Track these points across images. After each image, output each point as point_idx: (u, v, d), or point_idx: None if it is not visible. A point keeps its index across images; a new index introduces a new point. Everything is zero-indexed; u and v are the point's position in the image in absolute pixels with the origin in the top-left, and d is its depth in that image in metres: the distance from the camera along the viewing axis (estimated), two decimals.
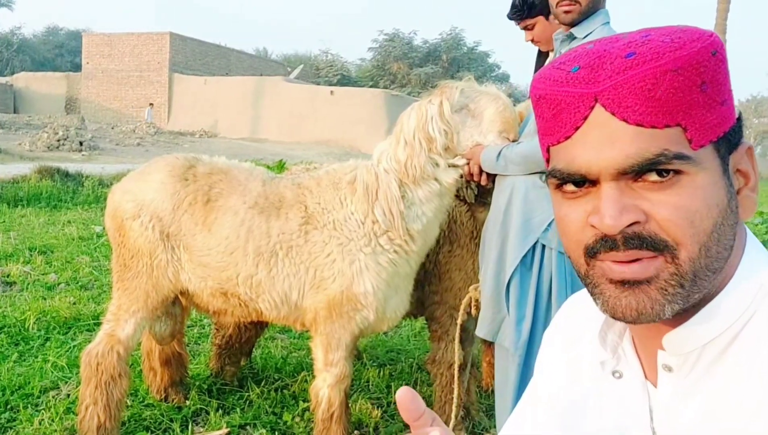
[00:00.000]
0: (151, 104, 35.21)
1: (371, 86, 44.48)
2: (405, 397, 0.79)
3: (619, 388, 0.90)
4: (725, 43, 20.77)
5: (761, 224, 8.36)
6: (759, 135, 58.90)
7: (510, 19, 2.95)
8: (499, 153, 2.46)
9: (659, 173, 0.75)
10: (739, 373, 0.77)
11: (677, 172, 0.74)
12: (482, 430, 3.29)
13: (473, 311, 2.73)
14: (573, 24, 2.40)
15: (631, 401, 0.88)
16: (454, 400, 2.82)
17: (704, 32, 0.77)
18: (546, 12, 2.77)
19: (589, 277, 0.81)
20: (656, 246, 0.75)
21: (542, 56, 3.04)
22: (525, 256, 2.47)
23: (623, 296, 0.77)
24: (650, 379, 0.87)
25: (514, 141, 2.55)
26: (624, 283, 0.77)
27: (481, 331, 2.62)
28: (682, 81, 0.73)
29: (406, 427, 3.01)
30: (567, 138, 0.79)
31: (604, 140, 0.76)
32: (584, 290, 1.02)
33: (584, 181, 0.79)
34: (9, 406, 3.27)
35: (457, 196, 2.94)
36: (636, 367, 0.88)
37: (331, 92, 33.97)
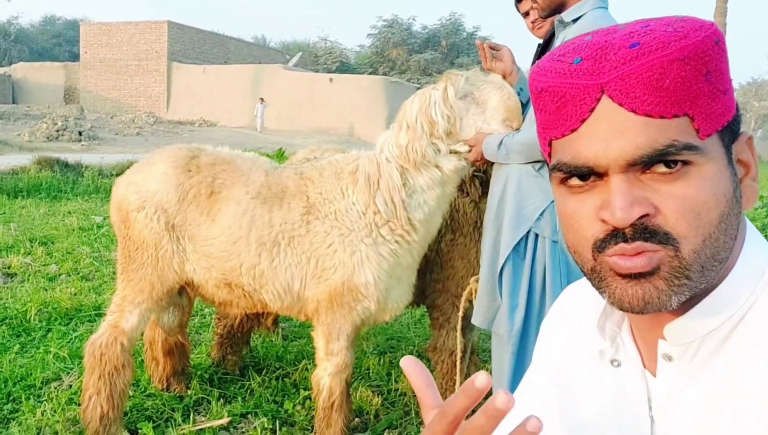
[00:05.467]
0: (261, 99, 30.99)
1: (370, 73, 44.35)
2: (411, 364, 0.74)
3: (618, 376, 0.90)
4: (725, 25, 20.57)
5: (761, 208, 8.35)
6: (760, 118, 58.80)
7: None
8: (501, 142, 2.46)
9: (667, 164, 0.74)
10: (740, 362, 0.78)
11: (685, 162, 0.74)
12: None
13: (473, 302, 2.74)
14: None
15: (630, 390, 0.88)
16: (456, 387, 2.83)
17: (705, 22, 0.77)
18: None
19: (595, 272, 0.80)
20: (660, 239, 0.75)
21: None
22: (518, 244, 2.47)
23: (629, 287, 0.77)
24: (649, 368, 0.87)
25: (517, 130, 2.55)
26: (630, 276, 0.77)
27: (476, 320, 2.63)
28: (689, 70, 0.73)
29: (406, 414, 3.03)
30: (573, 131, 0.78)
31: (613, 132, 0.75)
32: (580, 281, 1.02)
33: (590, 175, 0.78)
34: (11, 398, 3.28)
35: (462, 191, 2.94)
36: (634, 356, 0.89)
37: (330, 79, 33.85)
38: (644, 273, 0.76)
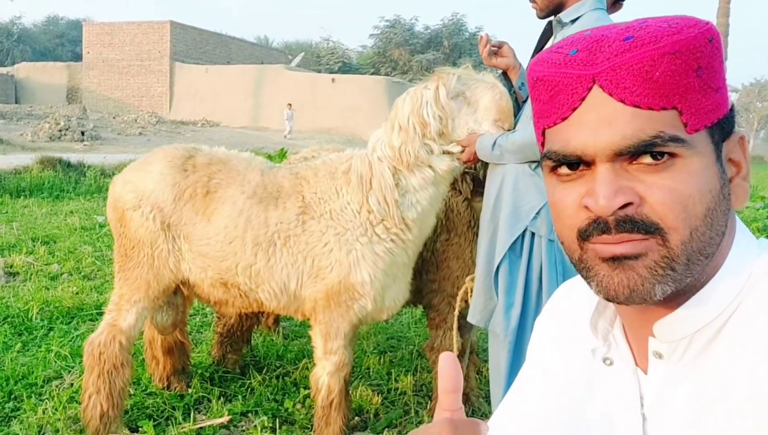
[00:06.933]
0: (289, 105, 29.92)
1: (372, 73, 44.31)
2: (447, 365, 0.80)
3: (610, 374, 0.91)
4: (728, 26, 20.42)
5: (763, 208, 8.34)
6: (762, 119, 58.50)
7: None
8: (494, 142, 2.47)
9: (653, 156, 0.75)
10: (729, 360, 0.78)
11: (672, 155, 0.75)
12: (482, 416, 3.31)
13: (469, 301, 2.75)
14: (543, 17, 2.50)
15: (622, 388, 0.89)
16: None
17: (701, 20, 0.78)
18: None
19: (582, 261, 0.82)
20: (647, 229, 0.76)
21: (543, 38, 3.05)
22: (514, 243, 2.48)
23: (615, 275, 0.78)
24: (641, 366, 0.88)
25: (508, 130, 2.55)
26: (614, 260, 0.78)
27: (473, 318, 2.64)
28: (679, 64, 0.74)
29: (406, 413, 3.03)
30: (564, 119, 0.80)
31: (601, 121, 0.76)
32: (575, 278, 1.03)
33: (579, 164, 0.80)
34: (13, 396, 3.30)
35: (455, 189, 2.94)
36: (626, 354, 0.89)
37: (333, 80, 33.85)
38: (628, 256, 0.77)
